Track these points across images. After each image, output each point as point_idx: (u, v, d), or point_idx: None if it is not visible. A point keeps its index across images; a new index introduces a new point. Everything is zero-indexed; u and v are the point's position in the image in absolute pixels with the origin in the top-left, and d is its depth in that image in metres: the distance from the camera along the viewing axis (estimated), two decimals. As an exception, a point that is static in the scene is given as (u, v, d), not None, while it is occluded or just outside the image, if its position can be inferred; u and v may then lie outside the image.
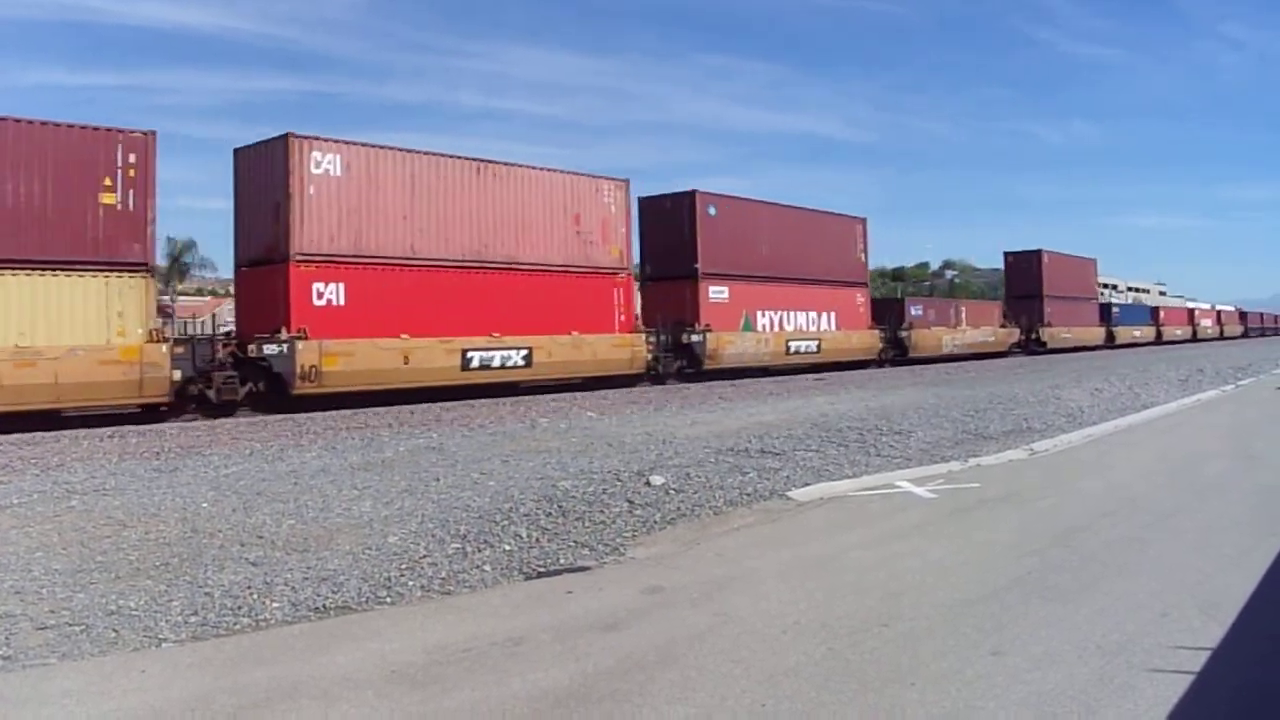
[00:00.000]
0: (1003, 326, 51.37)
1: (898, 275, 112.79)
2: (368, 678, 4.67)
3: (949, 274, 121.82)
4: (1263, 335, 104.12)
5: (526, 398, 23.91)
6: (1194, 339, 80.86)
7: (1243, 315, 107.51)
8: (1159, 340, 71.83)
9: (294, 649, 5.17)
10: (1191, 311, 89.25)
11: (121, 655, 5.10)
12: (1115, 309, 68.60)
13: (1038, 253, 55.69)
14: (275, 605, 5.89)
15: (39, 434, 16.89)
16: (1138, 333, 69.66)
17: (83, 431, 16.98)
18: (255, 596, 6.02)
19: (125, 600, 5.90)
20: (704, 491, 9.24)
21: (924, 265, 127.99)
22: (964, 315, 48.53)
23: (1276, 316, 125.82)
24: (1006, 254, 57.78)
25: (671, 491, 9.16)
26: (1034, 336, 52.81)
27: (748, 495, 9.20)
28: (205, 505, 8.71)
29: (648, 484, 9.41)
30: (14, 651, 5.10)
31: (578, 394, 25.06)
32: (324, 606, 5.91)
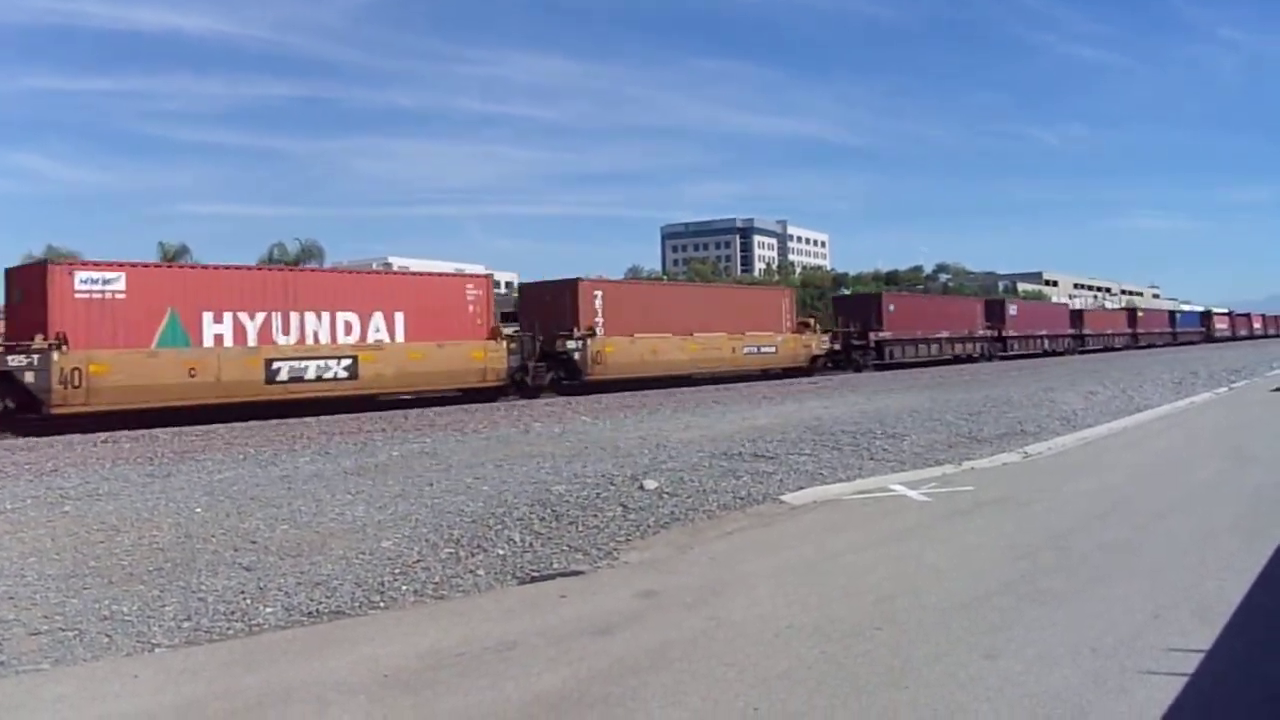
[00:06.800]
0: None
1: (891, 279, 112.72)
2: (361, 682, 4.67)
3: (943, 277, 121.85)
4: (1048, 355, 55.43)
5: (521, 403, 23.93)
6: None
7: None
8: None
9: (287, 654, 5.16)
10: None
11: (114, 660, 5.09)
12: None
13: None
14: (269, 610, 5.88)
15: (33, 439, 16.89)
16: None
17: (77, 437, 16.95)
18: (248, 601, 6.02)
19: (118, 605, 5.89)
20: (697, 495, 9.24)
21: (918, 269, 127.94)
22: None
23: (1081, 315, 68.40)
24: None
25: (665, 495, 9.16)
26: None
27: (741, 499, 9.21)
28: (199, 510, 8.69)
29: (641, 488, 9.40)
30: (7, 657, 5.09)
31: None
32: (317, 611, 5.90)
